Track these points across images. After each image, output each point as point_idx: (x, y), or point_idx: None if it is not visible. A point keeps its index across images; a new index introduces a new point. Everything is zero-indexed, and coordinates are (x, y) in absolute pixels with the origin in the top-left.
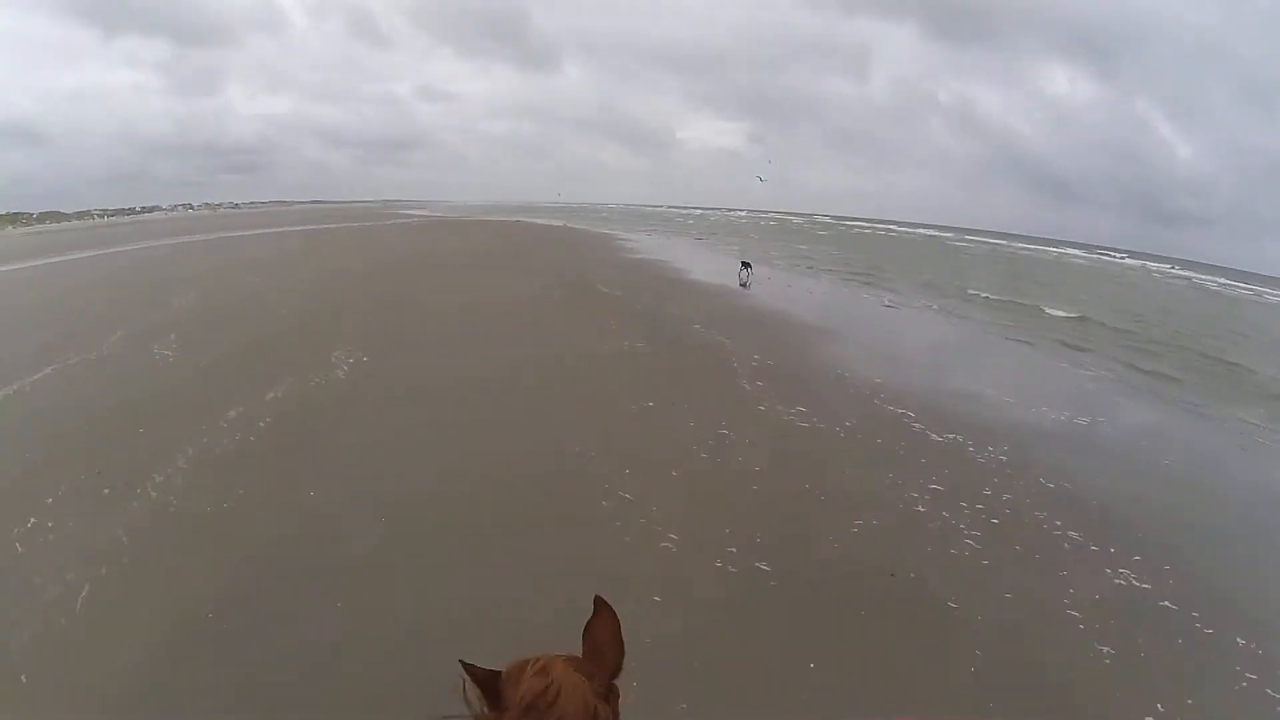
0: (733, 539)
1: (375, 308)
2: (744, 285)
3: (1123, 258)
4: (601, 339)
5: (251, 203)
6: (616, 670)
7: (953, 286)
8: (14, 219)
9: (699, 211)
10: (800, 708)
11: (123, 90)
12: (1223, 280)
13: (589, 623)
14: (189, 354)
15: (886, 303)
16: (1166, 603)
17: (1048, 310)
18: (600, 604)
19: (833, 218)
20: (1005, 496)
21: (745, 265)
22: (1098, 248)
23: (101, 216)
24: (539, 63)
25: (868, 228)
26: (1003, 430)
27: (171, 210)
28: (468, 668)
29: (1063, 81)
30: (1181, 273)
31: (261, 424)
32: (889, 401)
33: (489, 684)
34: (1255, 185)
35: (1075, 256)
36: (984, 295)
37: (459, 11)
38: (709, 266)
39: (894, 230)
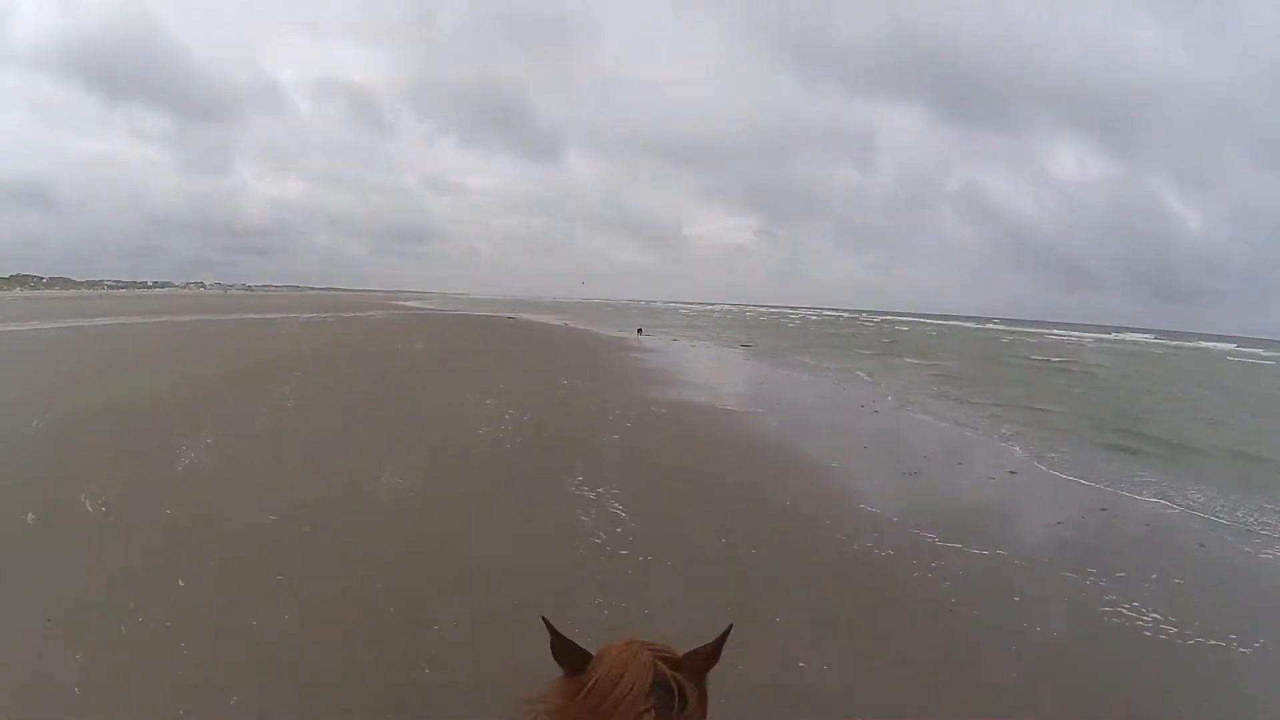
0: None
1: None
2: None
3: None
4: None
5: (265, 285)
6: (706, 666)
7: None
8: (23, 281)
9: (718, 307)
10: None
11: (134, 162)
12: None
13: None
14: None
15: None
16: None
17: None
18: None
19: (851, 311)
20: None
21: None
22: (1115, 328)
23: (105, 287)
24: (542, 153)
25: (892, 321)
26: None
27: (183, 287)
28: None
29: (1071, 161)
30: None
31: None
32: None
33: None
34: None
35: (1125, 341)
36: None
37: (458, 99)
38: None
39: (920, 322)
